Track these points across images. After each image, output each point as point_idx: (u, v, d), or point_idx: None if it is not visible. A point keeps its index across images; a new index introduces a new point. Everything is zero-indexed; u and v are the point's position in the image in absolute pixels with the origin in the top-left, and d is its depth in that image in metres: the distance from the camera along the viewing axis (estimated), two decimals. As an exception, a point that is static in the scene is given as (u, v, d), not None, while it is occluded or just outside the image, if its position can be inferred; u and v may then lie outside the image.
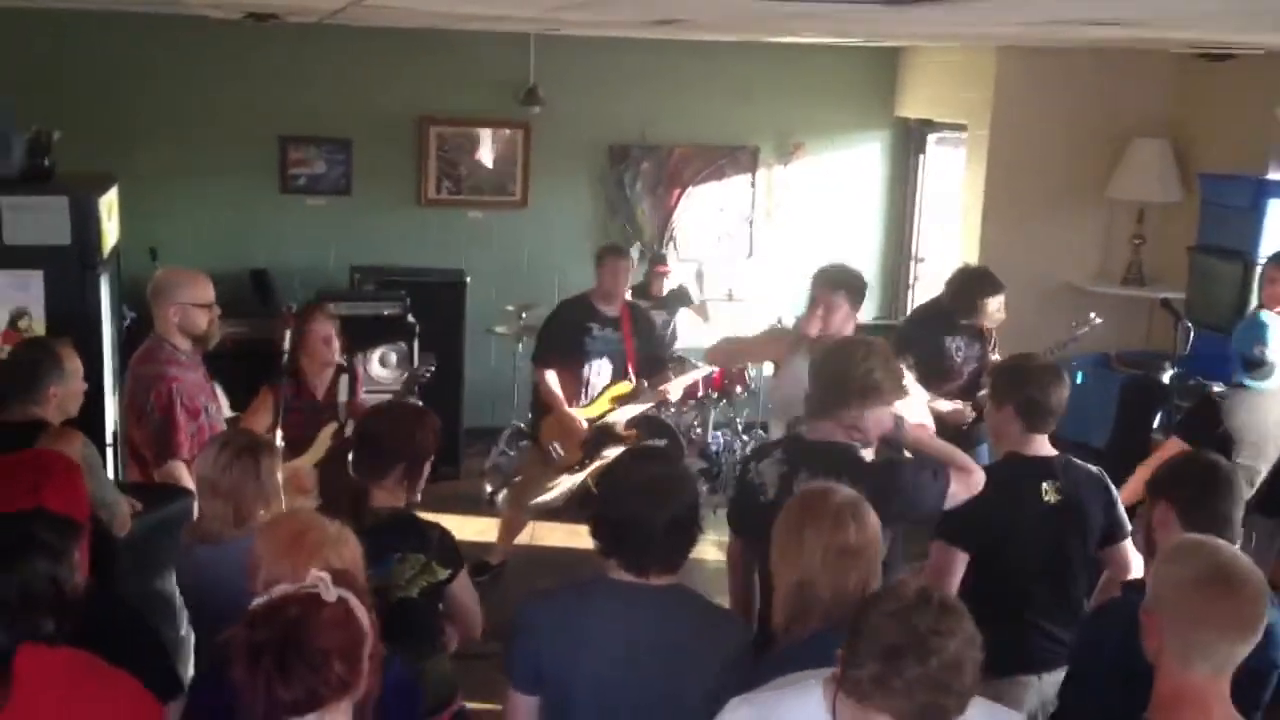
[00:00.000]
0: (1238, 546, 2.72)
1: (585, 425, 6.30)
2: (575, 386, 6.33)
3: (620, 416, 6.39)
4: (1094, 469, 3.87)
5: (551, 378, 6.30)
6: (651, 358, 6.58)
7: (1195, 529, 2.85)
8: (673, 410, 7.60)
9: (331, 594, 2.14)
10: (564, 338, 6.35)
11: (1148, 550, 3.20)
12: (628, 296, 6.60)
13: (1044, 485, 3.75)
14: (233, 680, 2.09)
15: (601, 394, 6.38)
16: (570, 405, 6.30)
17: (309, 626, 2.08)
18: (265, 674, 2.05)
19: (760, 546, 3.09)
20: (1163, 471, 3.24)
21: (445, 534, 3.46)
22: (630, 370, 6.42)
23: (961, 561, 3.73)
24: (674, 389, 6.60)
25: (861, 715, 2.10)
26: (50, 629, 2.38)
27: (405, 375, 6.64)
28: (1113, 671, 2.88)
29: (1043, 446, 3.83)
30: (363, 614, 2.18)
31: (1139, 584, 2.90)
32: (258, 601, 2.18)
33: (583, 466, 6.37)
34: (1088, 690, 3.02)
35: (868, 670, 2.04)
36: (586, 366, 6.33)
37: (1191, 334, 5.96)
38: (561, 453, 6.35)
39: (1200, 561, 2.39)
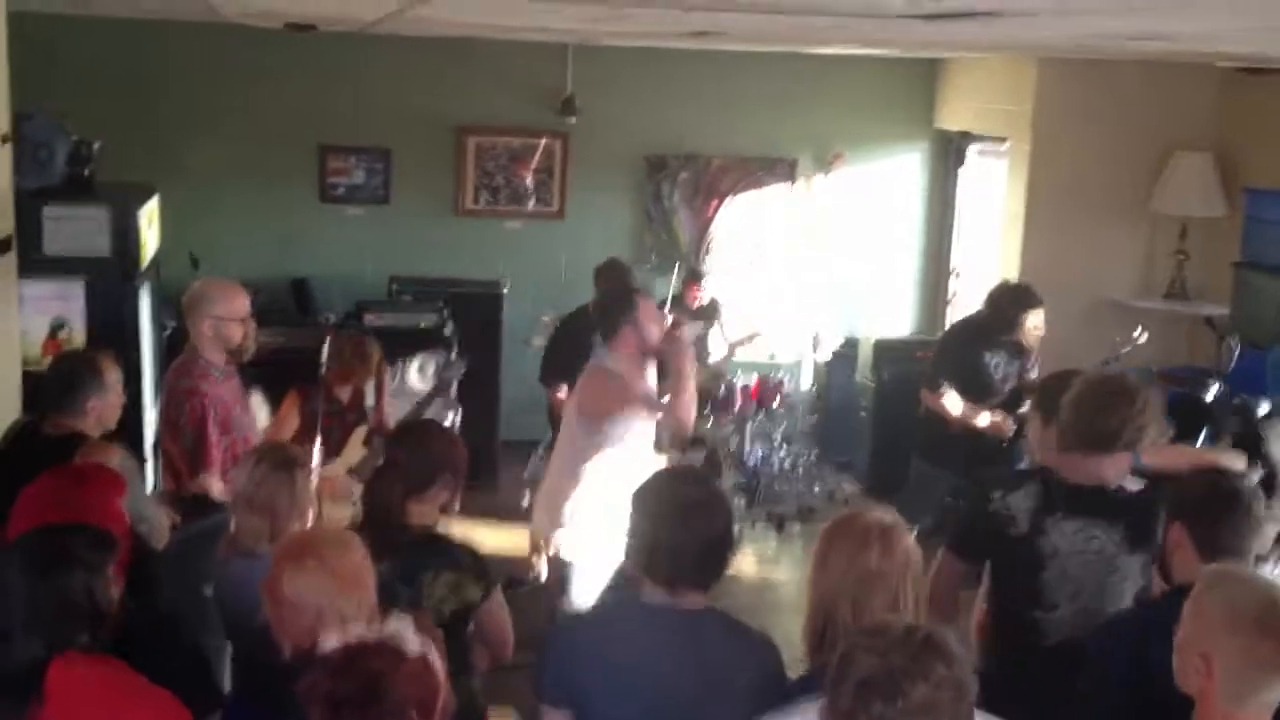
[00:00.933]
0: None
1: None
2: None
3: None
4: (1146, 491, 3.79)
5: (562, 393, 6.30)
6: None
7: (1210, 558, 2.80)
8: (710, 424, 7.57)
9: (414, 646, 2.15)
10: (571, 354, 6.33)
11: (1163, 571, 3.15)
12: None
13: None
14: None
15: None
16: None
17: (392, 681, 2.09)
18: None
19: (998, 575, 3.34)
20: (1182, 492, 3.15)
21: (477, 553, 3.46)
22: None
23: (959, 570, 3.66)
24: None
25: None
26: (85, 641, 2.39)
27: (435, 379, 6.67)
28: (1122, 688, 2.83)
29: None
30: (439, 666, 2.19)
31: (1150, 600, 2.84)
32: (334, 647, 2.18)
33: None
34: (1097, 708, 2.96)
35: (842, 703, 2.00)
36: None
37: (1236, 351, 5.88)
38: None
39: (1252, 599, 2.34)
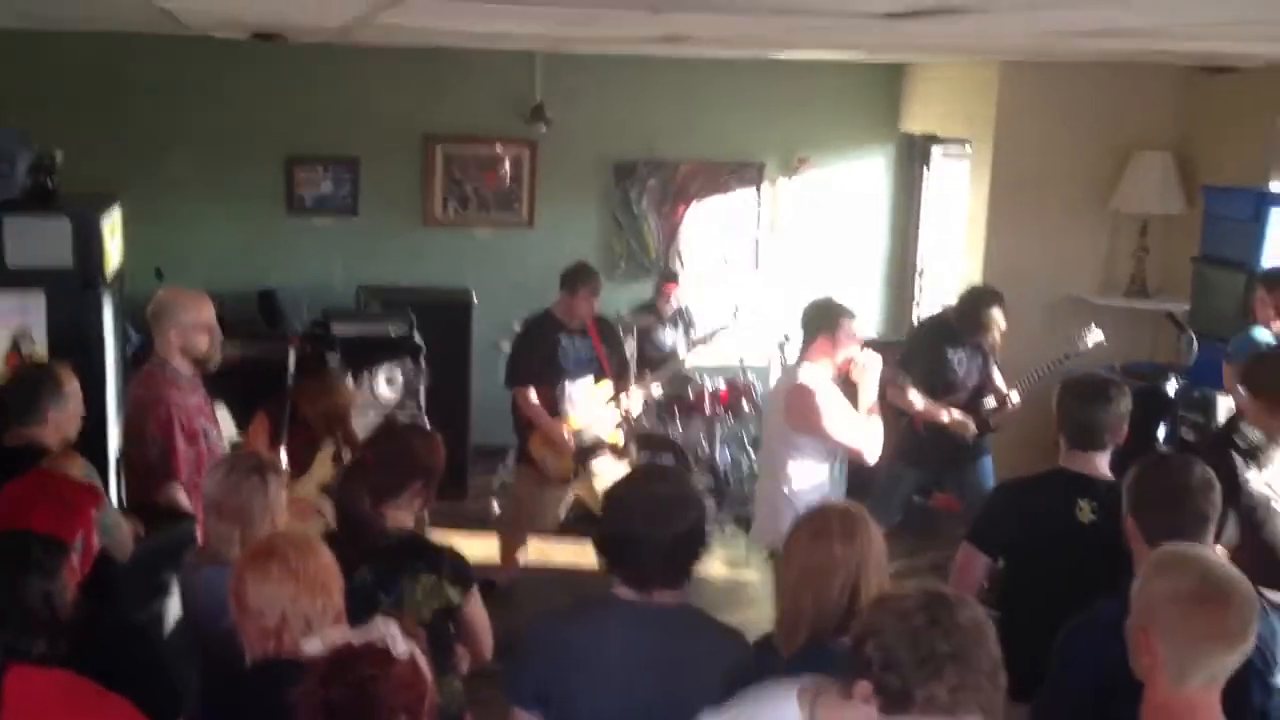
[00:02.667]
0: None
1: (572, 437, 6.30)
2: (555, 403, 6.34)
3: (603, 424, 6.39)
4: None
5: (530, 395, 6.31)
6: (621, 365, 6.61)
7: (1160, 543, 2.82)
8: (679, 428, 7.58)
9: (402, 649, 2.16)
10: (537, 355, 6.36)
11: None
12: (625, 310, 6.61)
13: (1080, 502, 3.72)
14: None
15: (581, 402, 6.38)
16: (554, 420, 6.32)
17: (383, 685, 2.11)
18: None
19: None
20: (1133, 485, 3.17)
21: (456, 555, 3.46)
22: (608, 375, 6.46)
23: (981, 563, 3.81)
24: (633, 403, 6.56)
25: None
26: (42, 649, 2.37)
27: (403, 388, 6.67)
28: (1086, 688, 2.85)
29: (1089, 465, 3.79)
30: (426, 668, 2.21)
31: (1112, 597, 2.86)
32: (321, 653, 2.19)
33: (575, 476, 6.38)
34: (1061, 707, 2.99)
35: (908, 678, 2.05)
36: (565, 382, 6.34)
37: (1195, 345, 5.94)
38: (555, 465, 6.35)
39: (1190, 575, 2.37)
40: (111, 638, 2.73)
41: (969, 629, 2.07)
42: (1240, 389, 4.40)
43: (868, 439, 4.82)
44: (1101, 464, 3.80)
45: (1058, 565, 3.65)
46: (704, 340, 7.31)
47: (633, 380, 6.69)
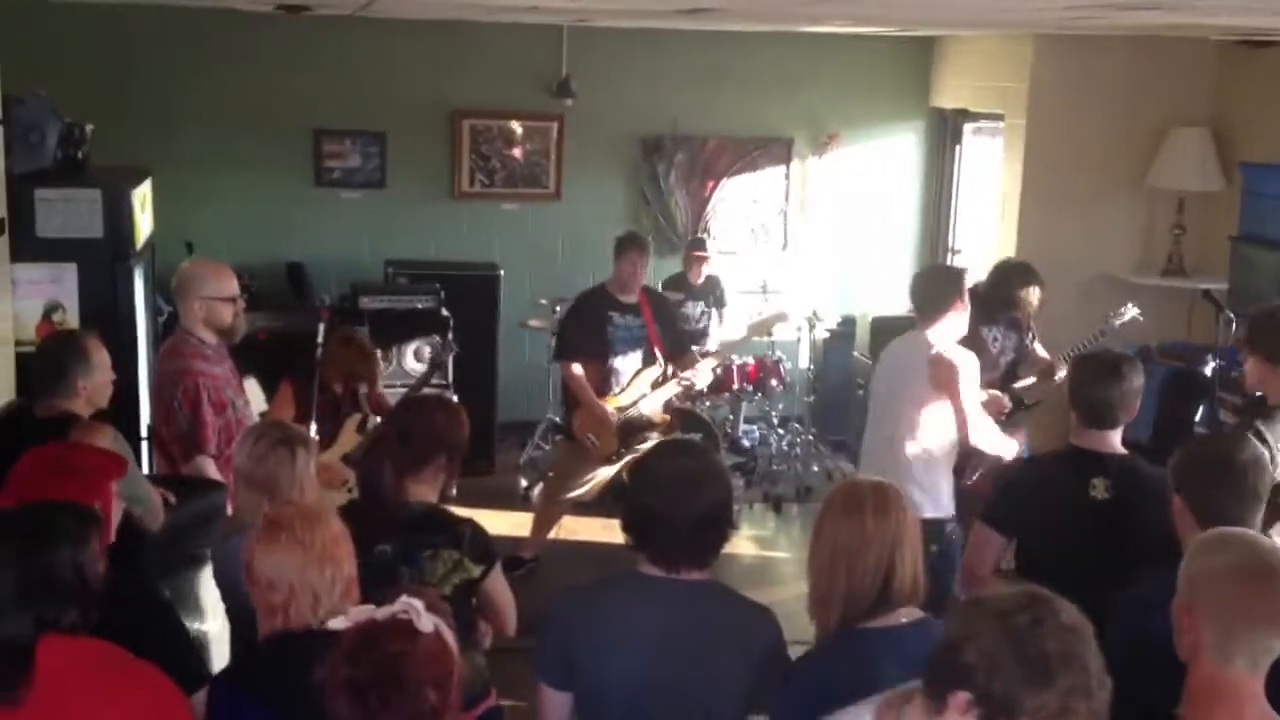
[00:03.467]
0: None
1: (616, 415, 6.28)
2: (602, 379, 6.31)
3: (651, 404, 6.37)
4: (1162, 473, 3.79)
5: (578, 370, 6.29)
6: (676, 341, 6.57)
7: (1207, 526, 2.77)
8: (706, 404, 7.56)
9: (427, 624, 2.15)
10: (586, 330, 6.33)
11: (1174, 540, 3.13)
12: (657, 286, 6.57)
13: (1094, 480, 3.68)
14: (329, 712, 2.11)
15: (631, 381, 6.36)
16: (600, 397, 6.28)
17: (411, 662, 2.10)
18: (370, 712, 2.07)
19: None
20: (1181, 462, 3.13)
21: (478, 529, 3.44)
22: (658, 354, 6.40)
23: (996, 542, 3.78)
24: (700, 375, 6.53)
25: None
26: (74, 619, 2.38)
27: (430, 361, 6.68)
28: (1120, 669, 2.82)
29: (1103, 442, 3.74)
30: (452, 641, 2.20)
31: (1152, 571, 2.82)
32: (347, 628, 2.18)
33: (619, 456, 6.35)
34: None
35: (1014, 685, 1.88)
36: (613, 359, 6.31)
37: (1234, 325, 5.86)
38: (598, 443, 6.33)
39: (1237, 554, 2.33)
40: (133, 609, 2.72)
41: (1076, 628, 1.92)
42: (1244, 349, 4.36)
43: (986, 420, 4.87)
44: (1114, 441, 3.76)
45: (1071, 543, 3.62)
46: (764, 327, 7.20)
47: (692, 352, 6.66)
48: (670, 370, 6.41)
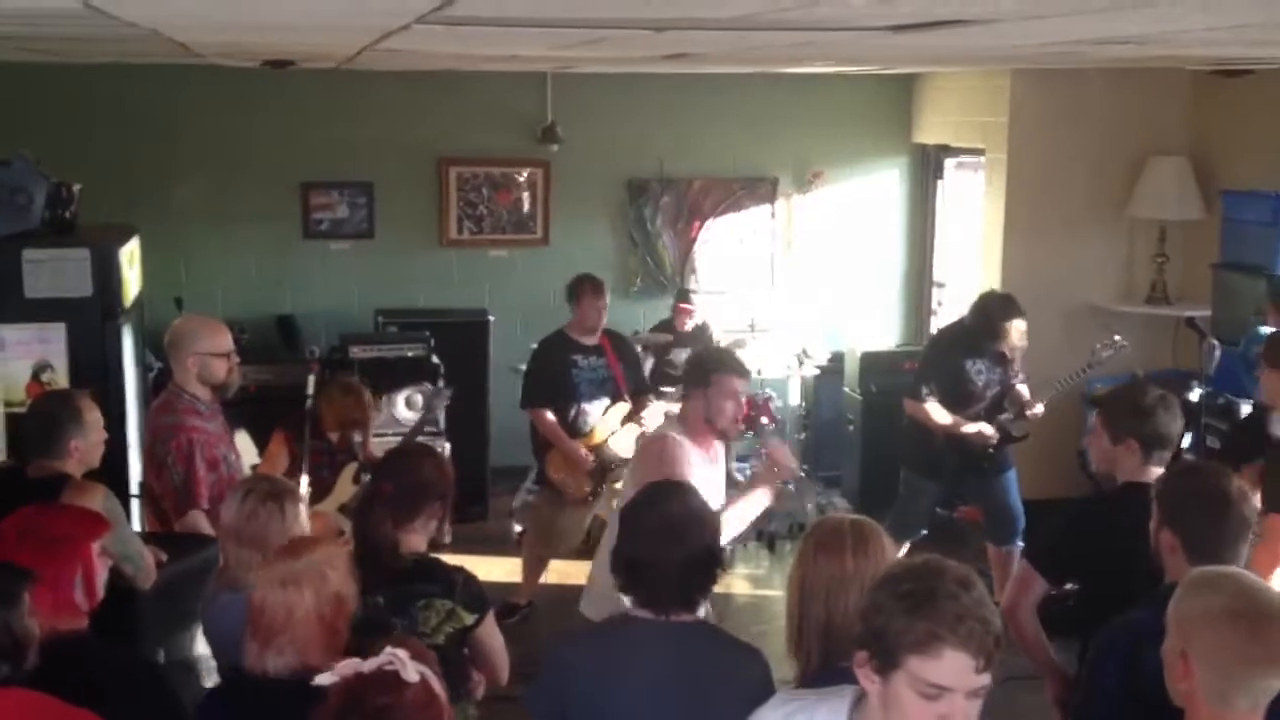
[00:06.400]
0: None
1: (587, 454, 6.30)
2: (570, 422, 6.35)
3: (622, 441, 6.39)
4: None
5: (546, 415, 6.32)
6: (639, 381, 6.60)
7: (1201, 561, 2.76)
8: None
9: (412, 673, 2.15)
10: (550, 375, 6.36)
11: (1157, 571, 3.11)
12: (646, 330, 6.59)
13: None
14: None
15: (601, 420, 6.38)
16: (572, 439, 6.32)
17: (398, 713, 2.11)
18: None
19: None
20: (1168, 493, 3.10)
21: (470, 577, 3.45)
22: (624, 395, 6.44)
23: (1040, 588, 3.66)
24: (650, 417, 6.48)
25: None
26: (5, 673, 2.45)
27: (424, 407, 6.68)
28: (1113, 700, 2.81)
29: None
30: (440, 689, 2.20)
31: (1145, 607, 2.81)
32: (332, 680, 2.18)
33: (594, 497, 6.38)
34: (1093, 716, 2.95)
35: (934, 617, 2.01)
36: (580, 401, 6.35)
37: (1218, 351, 5.91)
38: (572, 487, 6.35)
39: (1228, 596, 2.30)
40: (126, 671, 2.73)
41: (952, 573, 2.05)
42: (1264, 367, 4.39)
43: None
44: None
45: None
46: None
47: (651, 394, 6.69)
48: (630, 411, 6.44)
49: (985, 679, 2.00)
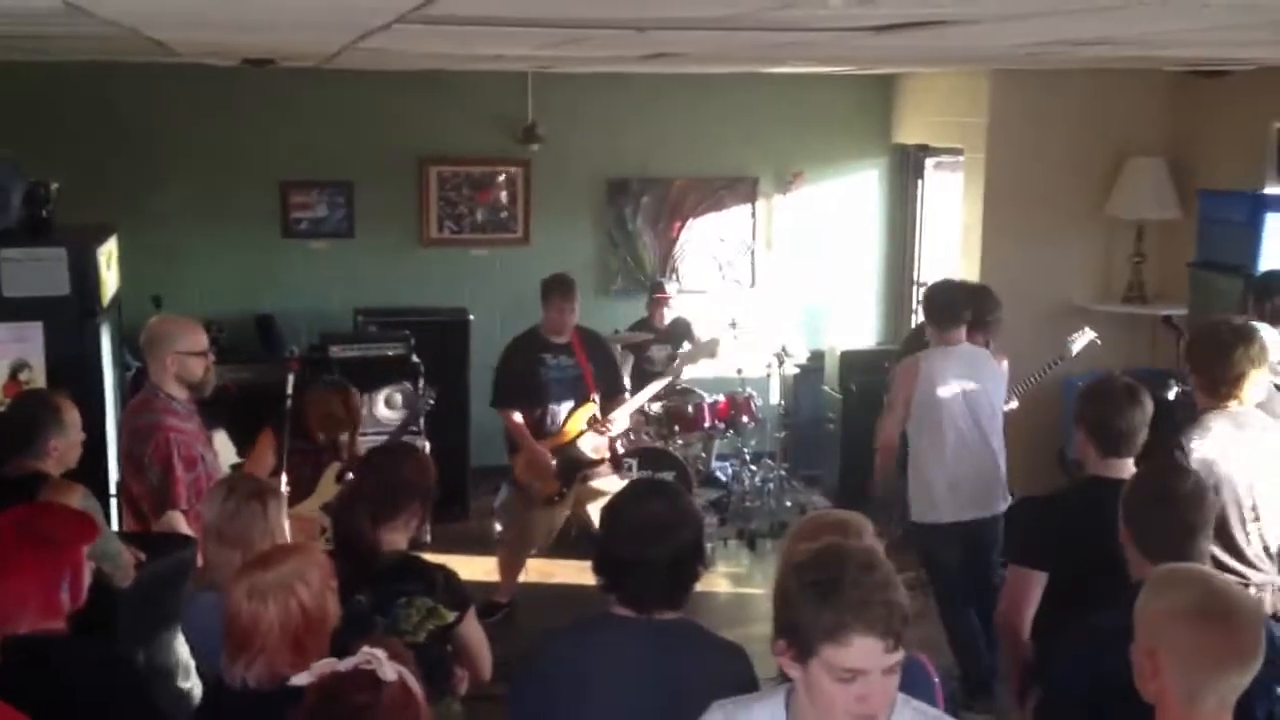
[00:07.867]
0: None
1: (549, 455, 6.30)
2: (538, 422, 6.34)
3: (591, 442, 6.39)
4: None
5: (514, 415, 6.32)
6: (612, 381, 6.58)
7: (1157, 560, 2.79)
8: (680, 443, 7.57)
9: (390, 672, 2.14)
10: (519, 374, 6.35)
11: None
12: (623, 329, 6.59)
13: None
14: None
15: (567, 421, 6.38)
16: (539, 440, 6.32)
17: (375, 713, 2.10)
18: None
19: None
20: (1127, 490, 3.13)
21: (451, 575, 3.45)
22: (593, 396, 6.42)
23: (1037, 580, 3.66)
24: (616, 422, 6.50)
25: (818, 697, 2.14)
26: None
27: (404, 406, 6.67)
28: (1079, 703, 2.82)
29: (1124, 470, 3.68)
30: (417, 688, 2.20)
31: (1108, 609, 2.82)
32: (309, 681, 2.17)
33: (561, 497, 6.38)
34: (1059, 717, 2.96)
35: (839, 606, 2.08)
36: (548, 401, 6.34)
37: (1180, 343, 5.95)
38: (539, 487, 6.35)
39: (1193, 595, 2.32)
40: (98, 674, 2.72)
41: (854, 558, 2.13)
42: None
43: None
44: (1132, 468, 3.70)
45: (1106, 579, 3.41)
46: (703, 352, 7.28)
47: (625, 394, 6.68)
48: (599, 413, 6.42)
49: (898, 655, 2.11)
